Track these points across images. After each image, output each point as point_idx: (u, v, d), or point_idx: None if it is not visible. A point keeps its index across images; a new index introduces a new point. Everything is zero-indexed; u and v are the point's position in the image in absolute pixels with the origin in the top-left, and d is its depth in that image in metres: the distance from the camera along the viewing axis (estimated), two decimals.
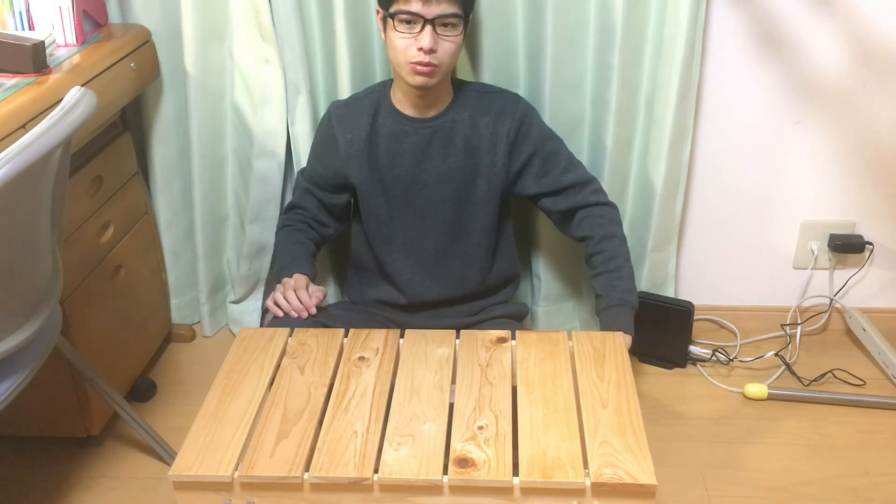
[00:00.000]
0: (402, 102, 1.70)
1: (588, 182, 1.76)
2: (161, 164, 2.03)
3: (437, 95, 1.69)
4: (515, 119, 1.70)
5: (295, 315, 1.62)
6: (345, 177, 1.75)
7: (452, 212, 1.74)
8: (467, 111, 1.70)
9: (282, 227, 1.84)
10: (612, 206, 1.77)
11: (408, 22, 1.56)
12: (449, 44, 1.58)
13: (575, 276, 2.10)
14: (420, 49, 1.56)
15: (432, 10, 1.54)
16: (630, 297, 1.68)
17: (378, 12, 1.65)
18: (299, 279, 1.68)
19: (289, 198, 2.10)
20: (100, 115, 1.58)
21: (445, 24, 1.57)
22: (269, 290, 2.25)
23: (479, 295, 1.80)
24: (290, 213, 1.85)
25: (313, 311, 1.63)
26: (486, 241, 1.77)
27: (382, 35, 1.65)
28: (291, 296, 1.63)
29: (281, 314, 1.63)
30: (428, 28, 1.55)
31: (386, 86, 1.74)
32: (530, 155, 1.72)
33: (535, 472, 1.21)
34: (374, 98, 1.74)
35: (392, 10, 1.57)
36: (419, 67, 1.58)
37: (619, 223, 1.77)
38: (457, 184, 1.72)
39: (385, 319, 1.79)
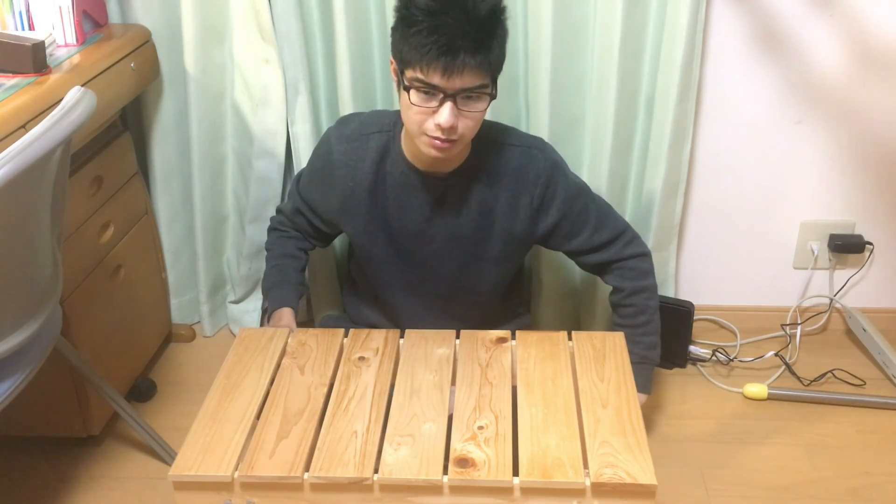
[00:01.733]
0: (411, 153, 1.51)
1: (619, 235, 1.62)
2: (161, 164, 2.03)
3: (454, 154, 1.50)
4: (539, 185, 1.54)
5: None
6: (338, 222, 1.63)
7: (461, 267, 1.62)
8: (485, 170, 1.53)
9: (273, 229, 1.76)
10: (645, 255, 1.65)
11: (426, 93, 1.35)
12: (472, 120, 1.38)
13: (575, 276, 2.10)
14: (438, 125, 1.36)
15: (454, 84, 1.33)
16: (652, 354, 1.67)
17: (392, 63, 1.43)
18: (285, 317, 1.61)
19: None
20: (100, 115, 1.58)
21: (469, 97, 1.36)
22: None
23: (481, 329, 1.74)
24: (281, 217, 1.75)
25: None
26: (495, 294, 1.69)
27: (395, 85, 1.45)
28: None
29: None
30: (448, 103, 1.34)
31: (396, 125, 1.53)
32: (557, 220, 1.57)
33: (535, 472, 1.21)
34: (381, 140, 1.54)
35: (408, 76, 1.36)
36: (435, 142, 1.39)
37: (650, 273, 1.65)
38: (468, 242, 1.59)
39: None
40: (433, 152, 1.41)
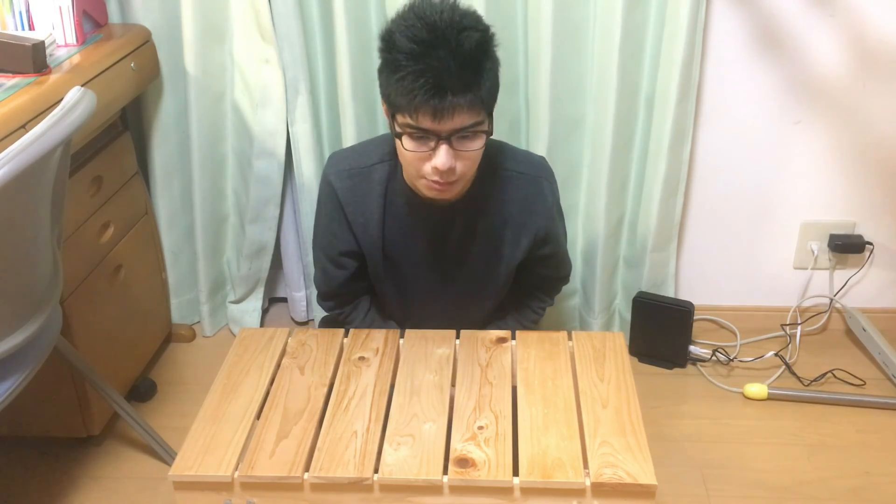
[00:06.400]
0: (415, 184, 1.46)
1: (566, 278, 1.70)
2: (161, 164, 2.03)
3: None
4: (546, 217, 1.53)
5: None
6: (360, 250, 1.57)
7: (466, 289, 1.61)
8: (492, 198, 1.50)
9: (345, 316, 1.66)
10: (547, 307, 1.72)
11: (419, 138, 1.32)
12: (469, 159, 1.35)
13: (575, 276, 2.10)
14: (435, 168, 1.33)
15: (446, 126, 1.29)
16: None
17: (384, 104, 1.39)
18: None
19: (289, 198, 2.10)
20: (100, 115, 1.58)
21: (464, 137, 1.32)
22: (269, 290, 2.25)
23: None
24: (331, 302, 1.65)
25: None
26: (494, 307, 1.70)
27: (389, 127, 1.39)
28: None
29: None
30: (443, 147, 1.30)
31: (395, 154, 1.46)
32: (549, 255, 1.59)
33: (535, 472, 1.21)
34: (383, 170, 1.49)
35: (399, 122, 1.32)
36: (434, 185, 1.36)
37: (535, 321, 1.71)
38: (474, 267, 1.58)
39: None
40: (433, 194, 1.40)
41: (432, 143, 1.31)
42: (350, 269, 1.59)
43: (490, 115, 1.36)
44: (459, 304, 1.65)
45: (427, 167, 1.34)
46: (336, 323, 1.78)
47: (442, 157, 1.31)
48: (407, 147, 1.33)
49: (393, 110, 1.34)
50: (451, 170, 1.33)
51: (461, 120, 1.29)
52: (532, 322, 1.72)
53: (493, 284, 1.62)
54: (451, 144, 1.31)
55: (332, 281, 1.62)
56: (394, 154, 1.47)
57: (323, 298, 1.67)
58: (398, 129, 1.34)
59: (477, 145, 1.34)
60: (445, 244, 1.55)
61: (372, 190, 1.50)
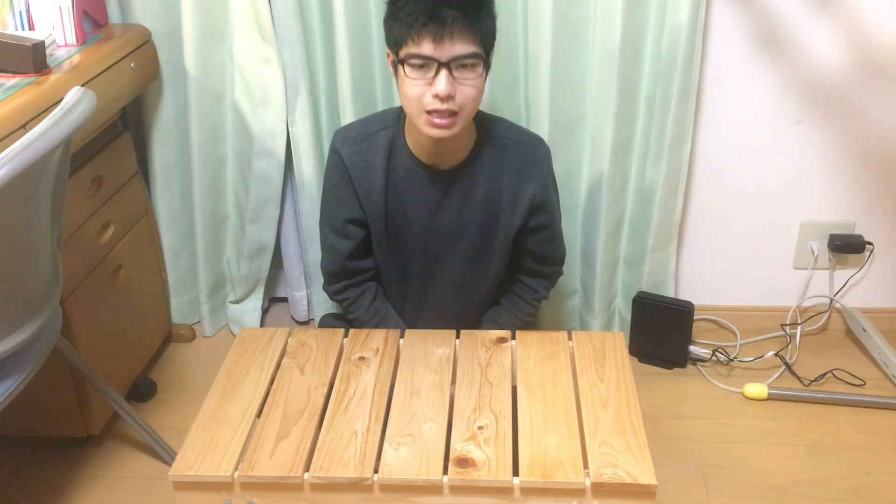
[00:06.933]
0: (417, 146, 1.53)
1: (560, 262, 1.73)
2: (161, 164, 2.03)
3: (456, 144, 1.52)
4: (541, 184, 1.57)
5: None
6: (365, 218, 1.61)
7: (464, 261, 1.64)
8: (489, 165, 1.55)
9: (342, 299, 1.68)
10: (542, 299, 1.74)
11: (420, 66, 1.38)
12: (469, 88, 1.39)
13: (575, 276, 2.10)
14: (436, 96, 1.37)
15: (446, 52, 1.35)
16: (512, 320, 1.71)
17: (388, 55, 1.47)
18: None
19: (289, 198, 2.10)
20: (100, 115, 1.58)
21: (463, 66, 1.38)
22: (269, 290, 2.25)
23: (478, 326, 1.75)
24: (335, 285, 1.67)
25: None
26: (495, 286, 1.72)
27: (394, 80, 1.48)
28: None
29: None
30: (443, 72, 1.36)
31: (399, 120, 1.55)
32: (543, 226, 1.62)
33: (535, 472, 1.21)
34: (387, 135, 1.56)
35: (402, 54, 1.39)
36: (436, 119, 1.40)
37: (531, 314, 1.73)
38: (472, 237, 1.61)
39: None
40: (434, 131, 1.41)
41: (433, 72, 1.37)
42: (355, 239, 1.62)
43: (488, 53, 1.41)
44: (458, 284, 1.66)
45: (428, 97, 1.38)
46: (338, 318, 1.78)
47: (442, 82, 1.36)
48: (409, 75, 1.38)
49: (397, 48, 1.40)
50: (450, 98, 1.37)
51: (461, 47, 1.35)
52: (528, 315, 1.72)
53: (491, 258, 1.64)
54: (450, 71, 1.36)
55: (338, 255, 1.63)
56: (397, 121, 1.55)
57: (329, 281, 1.68)
58: (400, 60, 1.39)
59: (475, 75, 1.39)
60: (444, 211, 1.58)
61: (376, 154, 1.55)
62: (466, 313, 1.72)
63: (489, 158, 1.55)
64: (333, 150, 1.58)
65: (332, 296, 1.70)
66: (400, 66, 1.40)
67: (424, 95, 1.39)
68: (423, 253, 1.64)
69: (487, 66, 1.42)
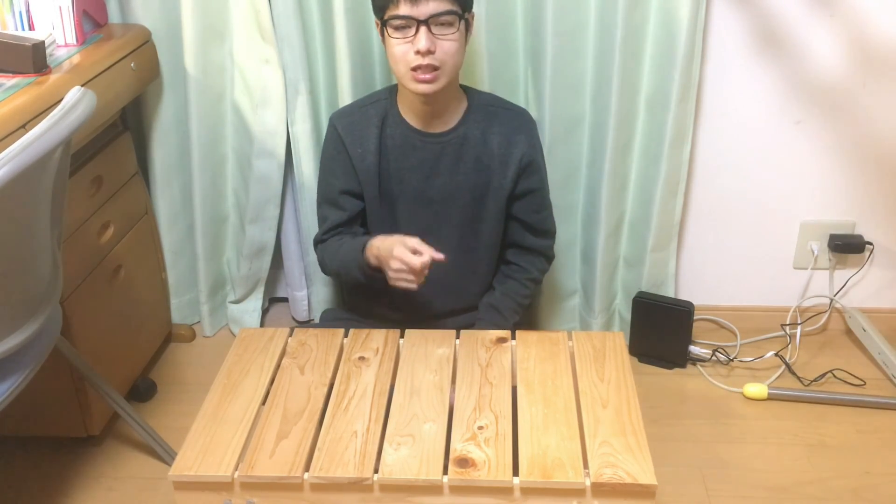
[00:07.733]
0: (409, 113, 1.65)
1: (551, 235, 1.78)
2: (161, 164, 2.03)
3: (445, 105, 1.63)
4: (529, 145, 1.66)
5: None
6: (360, 188, 1.69)
7: (459, 229, 1.70)
8: (479, 128, 1.65)
9: (322, 250, 1.74)
10: (536, 280, 1.78)
11: (402, 27, 1.51)
12: (448, 43, 1.52)
13: (575, 276, 2.10)
14: (417, 52, 1.50)
15: (422, 10, 1.49)
16: (507, 314, 1.73)
17: (377, 24, 1.59)
18: (377, 241, 1.58)
19: (289, 198, 2.10)
20: (100, 115, 1.58)
21: (441, 24, 1.51)
22: (269, 290, 2.26)
23: (475, 307, 1.76)
24: (324, 244, 1.73)
25: (438, 255, 1.50)
26: (490, 257, 1.75)
27: (385, 46, 1.59)
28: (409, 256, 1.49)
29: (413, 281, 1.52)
30: (423, 29, 1.49)
31: (392, 93, 1.68)
32: (532, 189, 1.69)
33: (535, 472, 1.21)
34: (380, 107, 1.67)
35: (385, 17, 1.53)
36: (420, 75, 1.52)
37: (525, 296, 1.76)
38: (465, 201, 1.68)
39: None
40: (420, 87, 1.53)
41: (413, 30, 1.50)
42: (348, 212, 1.70)
43: (464, 13, 1.54)
44: (453, 256, 1.61)
45: (411, 54, 1.51)
46: (339, 312, 1.79)
47: (422, 38, 1.49)
48: (392, 35, 1.52)
49: (381, 14, 1.54)
50: (430, 52, 1.50)
51: (436, 6, 1.49)
52: (523, 297, 1.75)
53: (484, 225, 1.70)
54: (429, 28, 1.50)
55: (329, 225, 1.72)
56: (389, 94, 1.68)
57: (315, 245, 1.77)
58: (384, 22, 1.53)
59: (452, 31, 1.52)
60: (437, 175, 1.66)
61: (370, 122, 1.66)
62: (464, 288, 1.75)
63: (479, 123, 1.66)
64: (330, 126, 1.71)
65: (318, 255, 1.75)
66: (385, 30, 1.53)
67: (408, 53, 1.51)
68: (416, 223, 1.67)
69: (466, 22, 1.55)
